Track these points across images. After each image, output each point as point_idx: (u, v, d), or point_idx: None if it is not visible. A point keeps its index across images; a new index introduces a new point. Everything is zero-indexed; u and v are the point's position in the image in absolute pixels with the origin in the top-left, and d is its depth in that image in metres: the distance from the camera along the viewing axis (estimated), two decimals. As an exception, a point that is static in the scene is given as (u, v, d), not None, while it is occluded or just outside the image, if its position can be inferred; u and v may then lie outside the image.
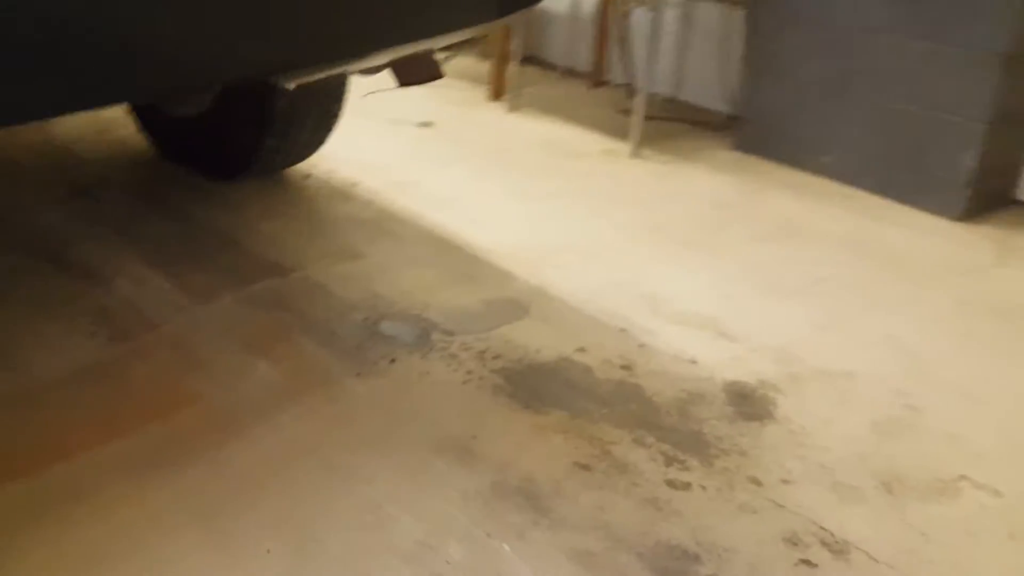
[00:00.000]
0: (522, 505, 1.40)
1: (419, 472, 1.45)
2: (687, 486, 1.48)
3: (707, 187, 2.89)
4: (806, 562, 1.34)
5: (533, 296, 2.06)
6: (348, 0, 1.30)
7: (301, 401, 1.61)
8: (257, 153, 2.38)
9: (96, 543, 1.26)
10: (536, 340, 1.86)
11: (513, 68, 3.64)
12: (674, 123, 3.52)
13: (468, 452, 1.51)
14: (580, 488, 1.45)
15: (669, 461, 1.53)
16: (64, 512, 1.30)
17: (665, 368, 1.81)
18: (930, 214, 2.82)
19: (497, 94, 3.72)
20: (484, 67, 4.14)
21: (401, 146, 3.03)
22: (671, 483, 1.48)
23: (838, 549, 1.37)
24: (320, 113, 2.38)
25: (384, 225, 2.38)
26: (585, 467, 1.50)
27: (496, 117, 3.50)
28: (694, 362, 1.85)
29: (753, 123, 3.26)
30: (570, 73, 4.18)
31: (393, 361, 1.75)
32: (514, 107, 3.59)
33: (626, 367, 1.80)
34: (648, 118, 3.34)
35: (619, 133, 3.31)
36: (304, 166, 2.70)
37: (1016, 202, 3.01)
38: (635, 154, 3.15)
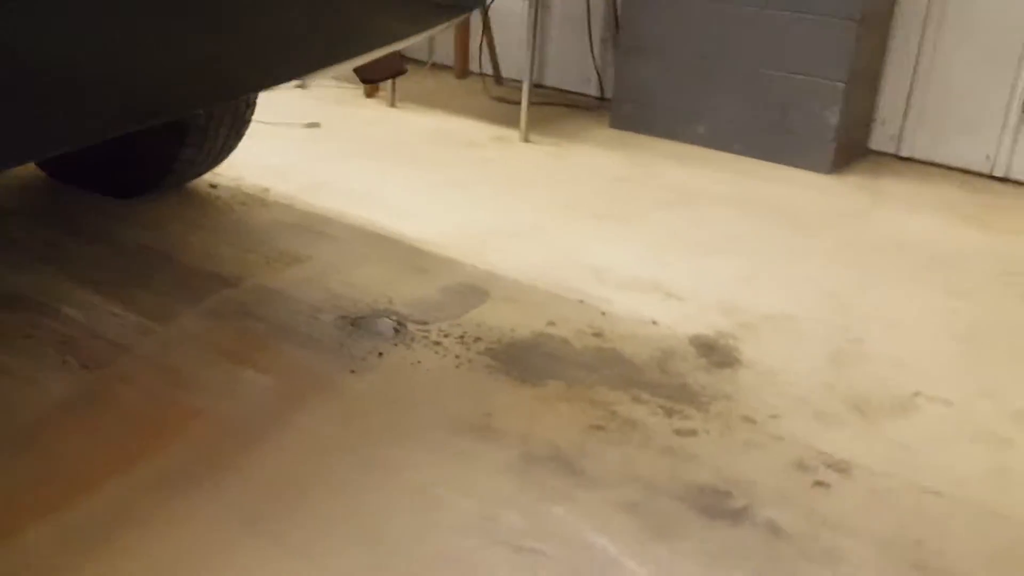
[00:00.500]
0: (557, 470, 1.46)
1: (449, 453, 1.49)
2: (693, 432, 1.59)
3: (600, 164, 3.03)
4: (820, 483, 1.48)
5: (486, 280, 2.11)
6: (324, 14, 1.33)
7: (305, 403, 1.60)
8: (173, 165, 2.30)
9: (160, 566, 1.22)
10: (507, 320, 1.92)
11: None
12: (549, 107, 3.63)
13: (487, 429, 1.56)
14: (602, 448, 1.53)
15: (669, 413, 1.64)
16: (114, 540, 1.26)
17: (632, 332, 1.92)
18: (803, 170, 3.07)
19: (372, 91, 3.72)
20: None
21: (296, 148, 2.99)
22: (678, 431, 1.59)
23: (841, 468, 1.52)
24: (234, 118, 2.33)
25: (313, 227, 2.36)
26: (599, 428, 1.58)
27: (379, 113, 3.51)
28: (655, 323, 1.96)
29: (627, 101, 3.43)
30: (435, 66, 4.23)
31: (381, 355, 1.77)
32: (393, 102, 3.61)
33: (597, 334, 1.90)
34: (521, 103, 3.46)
35: (501, 120, 3.40)
36: (207, 176, 2.62)
37: (871, 151, 3.33)
38: (525, 139, 3.24)
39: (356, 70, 1.66)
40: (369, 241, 2.30)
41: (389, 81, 3.59)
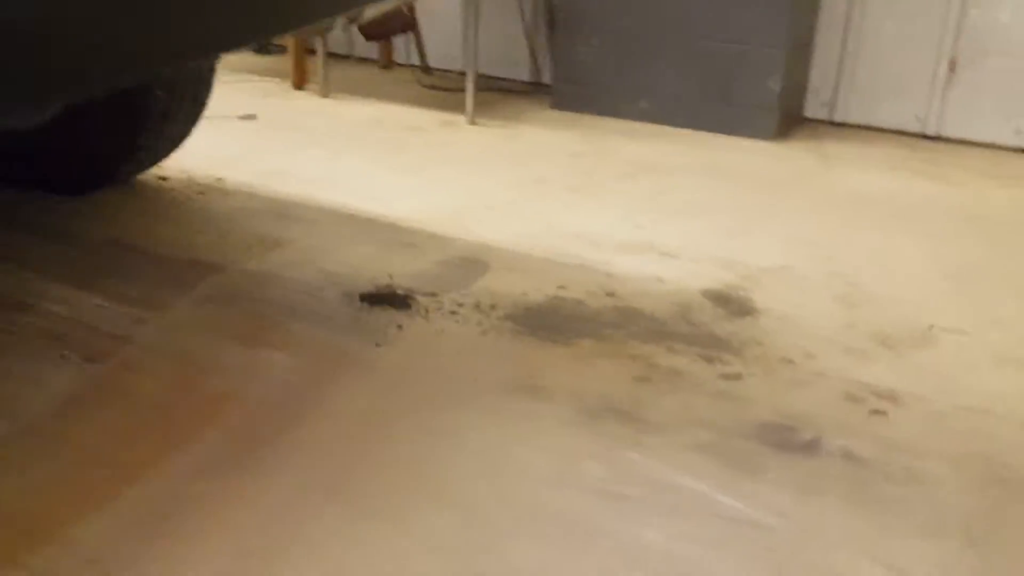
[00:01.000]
0: (619, 420, 1.42)
1: (506, 414, 1.42)
2: (738, 376, 1.57)
3: (553, 142, 3.00)
4: (876, 412, 1.48)
5: (480, 251, 2.05)
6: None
7: (338, 378, 1.51)
8: (128, 155, 2.15)
9: (237, 544, 1.12)
10: (516, 287, 1.87)
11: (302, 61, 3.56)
12: (485, 93, 3.59)
13: (536, 388, 1.50)
14: (655, 397, 1.49)
15: (709, 359, 1.62)
16: (174, 527, 1.14)
17: (644, 289, 1.89)
18: (748, 139, 3.12)
19: (300, 83, 3.60)
20: (264, 61, 4.00)
21: (239, 139, 2.85)
22: (724, 376, 1.57)
23: (890, 396, 1.52)
24: (191, 102, 2.19)
25: (284, 212, 2.25)
26: (645, 379, 1.54)
27: (314, 104, 3.39)
28: (661, 280, 1.94)
29: (567, 81, 3.41)
30: (358, 60, 4.13)
31: (400, 327, 1.68)
32: (325, 93, 3.49)
33: (610, 294, 1.86)
34: (456, 90, 3.41)
35: (441, 106, 3.35)
36: (155, 169, 2.47)
37: (807, 119, 3.41)
38: (472, 122, 3.19)
39: (363, 27, 1.58)
40: (347, 222, 2.20)
41: (320, 72, 3.47)
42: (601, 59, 3.32)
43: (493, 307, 1.78)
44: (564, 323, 1.73)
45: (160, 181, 2.42)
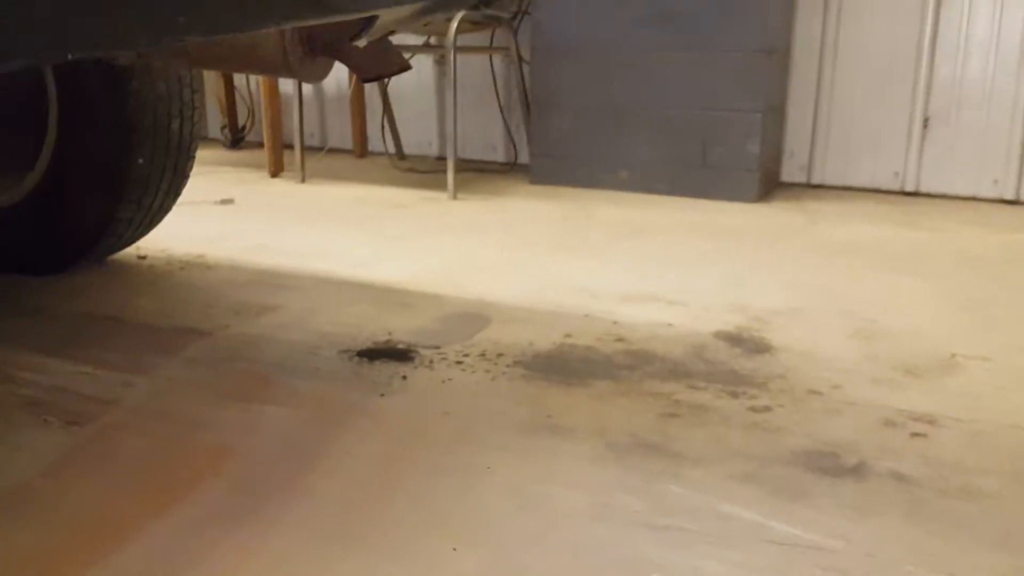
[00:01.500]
0: (651, 455, 1.32)
1: (529, 453, 1.32)
2: (768, 408, 1.49)
3: (539, 211, 2.97)
4: (917, 435, 1.40)
5: (481, 307, 1.98)
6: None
7: (344, 428, 1.40)
8: (107, 229, 2.07)
9: (251, 601, 1.00)
10: (521, 337, 1.79)
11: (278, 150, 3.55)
12: (463, 173, 3.58)
13: (557, 428, 1.40)
14: (685, 431, 1.40)
15: (734, 395, 1.54)
16: (181, 584, 1.02)
17: (653, 334, 1.82)
18: (732, 201, 3.12)
19: (276, 171, 3.57)
20: (236, 155, 3.99)
21: (218, 220, 2.79)
22: (753, 409, 1.48)
23: (928, 420, 1.45)
24: (172, 172, 2.13)
25: (271, 282, 2.17)
26: (672, 415, 1.46)
27: (292, 188, 3.35)
28: (671, 325, 1.88)
29: (546, 156, 3.41)
30: (331, 151, 4.13)
31: (405, 378, 1.59)
32: (302, 179, 3.46)
33: (619, 340, 1.79)
34: (433, 172, 3.41)
35: (420, 186, 3.33)
36: (132, 249, 2.39)
37: (783, 183, 3.43)
38: (454, 197, 3.15)
39: (356, 68, 1.53)
40: (338, 288, 2.12)
41: (297, 158, 3.45)
42: (578, 132, 3.33)
43: (500, 355, 1.69)
44: (576, 367, 1.65)
45: (138, 260, 2.33)
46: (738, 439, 1.38)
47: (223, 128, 4.30)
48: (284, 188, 3.34)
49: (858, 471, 1.29)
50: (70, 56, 0.71)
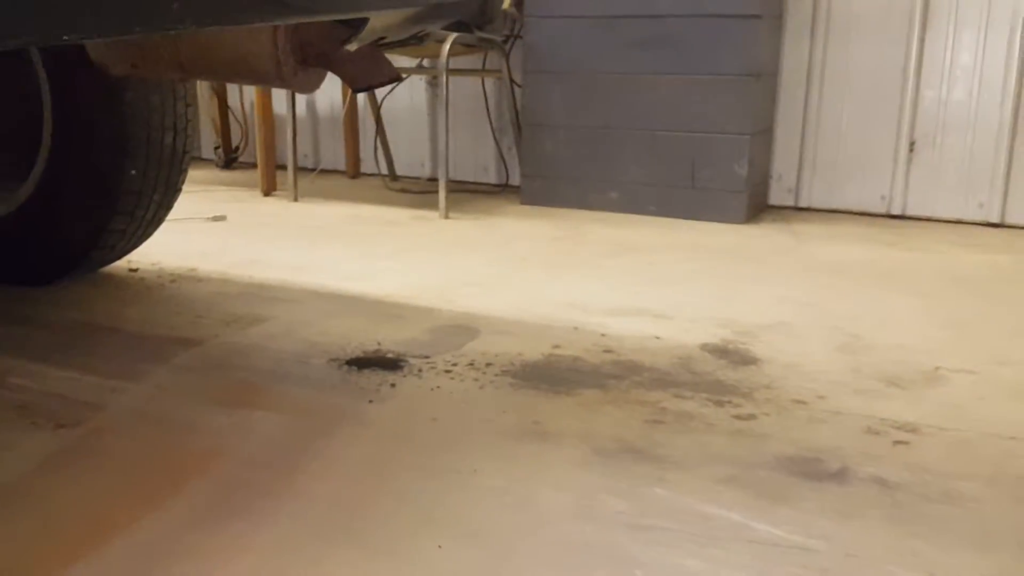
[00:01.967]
0: (637, 459, 1.34)
1: (516, 457, 1.33)
2: (752, 416, 1.50)
3: (529, 229, 3.00)
4: (900, 442, 1.41)
5: (469, 319, 1.99)
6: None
7: (332, 432, 1.41)
8: (99, 240, 2.08)
9: (236, 595, 1.00)
10: (510, 348, 1.80)
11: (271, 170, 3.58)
12: (454, 194, 3.61)
13: (544, 434, 1.42)
14: (670, 437, 1.42)
15: (719, 404, 1.55)
16: (175, 574, 1.03)
17: (640, 346, 1.84)
18: (721, 223, 3.15)
19: (269, 190, 3.59)
20: (230, 175, 4.01)
21: (210, 237, 2.80)
22: (738, 416, 1.50)
23: (911, 429, 1.46)
24: (164, 185, 2.15)
25: (261, 294, 2.18)
26: (658, 422, 1.47)
27: (284, 206, 3.37)
28: (658, 338, 1.89)
29: (536, 177, 3.44)
30: (324, 171, 4.15)
31: (394, 385, 1.60)
32: (295, 197, 3.48)
33: (607, 351, 1.80)
34: (424, 192, 3.44)
35: (412, 205, 3.35)
36: (124, 262, 2.40)
37: (771, 206, 3.46)
38: (445, 216, 3.18)
39: (348, 78, 1.56)
40: (329, 300, 2.14)
41: (290, 177, 3.47)
42: (568, 154, 3.37)
43: (489, 365, 1.70)
44: (564, 376, 1.66)
45: (130, 272, 2.35)
46: (722, 444, 1.39)
47: (216, 148, 4.33)
48: (277, 207, 3.36)
49: (841, 476, 1.30)
50: (65, 38, 0.73)
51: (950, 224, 3.17)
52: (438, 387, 1.59)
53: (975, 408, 1.55)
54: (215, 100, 4.21)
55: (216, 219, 3.04)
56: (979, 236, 2.99)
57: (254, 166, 3.83)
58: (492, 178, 3.91)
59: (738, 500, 1.22)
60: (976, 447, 1.41)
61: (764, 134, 3.29)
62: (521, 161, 3.51)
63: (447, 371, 1.67)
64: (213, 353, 1.75)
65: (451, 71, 3.16)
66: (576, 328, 1.94)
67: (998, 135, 3.07)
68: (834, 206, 3.38)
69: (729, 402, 1.56)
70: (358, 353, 1.75)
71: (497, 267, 2.47)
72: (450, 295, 2.18)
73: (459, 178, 3.90)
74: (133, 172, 2.00)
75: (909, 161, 3.23)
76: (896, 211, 3.28)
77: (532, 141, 3.42)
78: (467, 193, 3.66)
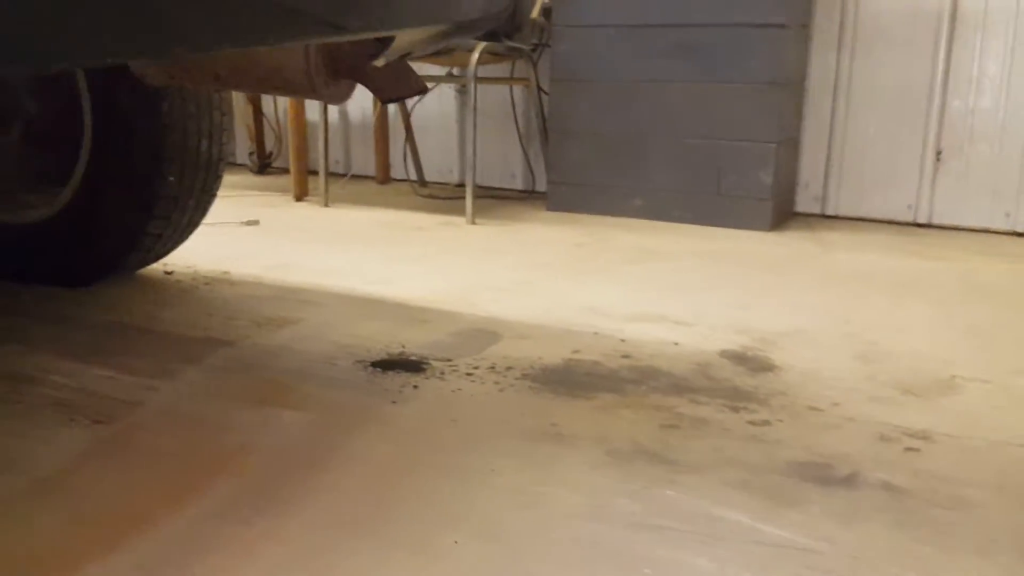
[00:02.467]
0: (651, 461, 1.37)
1: (532, 458, 1.38)
2: (767, 422, 1.53)
3: (554, 236, 3.04)
4: (911, 449, 1.44)
5: (492, 324, 2.04)
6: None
7: (356, 431, 1.46)
8: (137, 243, 2.16)
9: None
10: (531, 352, 1.85)
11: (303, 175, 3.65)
12: (481, 200, 3.66)
13: (560, 436, 1.46)
14: (685, 441, 1.45)
15: (735, 409, 1.58)
16: (193, 568, 1.08)
17: (659, 351, 1.87)
18: (746, 230, 3.17)
19: (301, 195, 3.66)
20: (263, 180, 4.09)
21: (243, 241, 2.87)
22: (752, 422, 1.53)
23: (923, 436, 1.49)
24: (200, 191, 2.22)
25: (292, 297, 2.24)
26: (673, 426, 1.51)
27: (316, 211, 3.44)
28: (677, 344, 1.93)
29: (563, 184, 3.49)
30: (354, 177, 4.23)
31: (416, 387, 1.65)
32: (326, 203, 3.55)
33: (626, 356, 1.84)
34: (452, 198, 3.49)
35: (439, 211, 3.40)
36: (159, 265, 2.48)
37: (798, 214, 3.48)
38: (472, 222, 3.23)
39: (377, 90, 1.61)
40: (356, 303, 2.19)
41: (321, 184, 3.54)
42: (595, 161, 3.40)
43: (509, 369, 1.75)
44: (582, 380, 1.70)
45: (165, 275, 2.42)
46: (736, 449, 1.43)
47: (251, 154, 4.42)
48: (308, 211, 3.43)
49: (850, 481, 1.33)
50: (108, 61, 0.79)
51: (976, 233, 3.17)
52: (459, 389, 1.64)
53: (988, 417, 1.57)
54: (250, 107, 4.30)
55: (249, 223, 3.12)
56: (1004, 245, 2.99)
57: (287, 171, 3.91)
58: (519, 184, 3.96)
59: (748, 503, 1.26)
60: (985, 455, 1.43)
61: (791, 142, 3.31)
62: (548, 168, 3.56)
63: (468, 374, 1.72)
64: (244, 354, 1.81)
65: (479, 79, 3.22)
66: (596, 333, 1.98)
67: (1025, 145, 3.07)
68: (861, 214, 3.39)
69: (745, 408, 1.59)
70: (383, 355, 1.81)
71: (521, 272, 2.52)
72: (474, 299, 2.23)
73: (487, 184, 3.95)
74: (170, 178, 2.06)
75: (935, 170, 3.23)
76: (922, 220, 3.29)
77: (559, 148, 3.47)
78: (494, 199, 3.71)
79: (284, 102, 4.12)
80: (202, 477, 1.29)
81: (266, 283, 2.36)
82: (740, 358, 1.85)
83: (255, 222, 3.14)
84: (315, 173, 3.67)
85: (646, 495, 1.27)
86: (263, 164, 4.42)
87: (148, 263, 2.32)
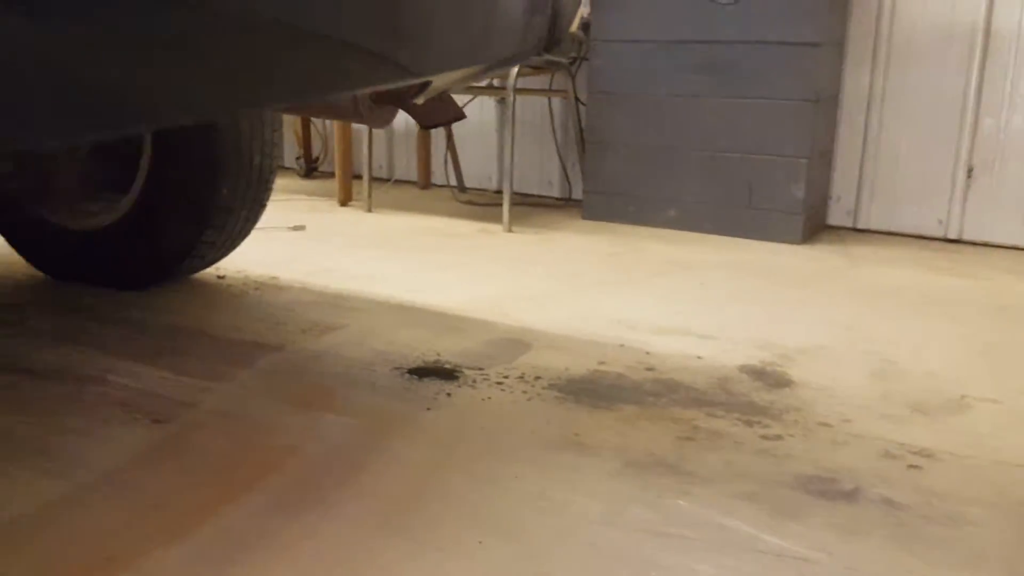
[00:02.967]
0: (665, 472, 1.47)
1: (554, 466, 1.48)
2: (779, 437, 1.62)
3: (587, 245, 3.14)
4: (913, 466, 1.52)
5: (522, 334, 2.14)
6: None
7: (393, 435, 1.58)
8: (192, 250, 2.29)
9: (319, 570, 1.17)
10: (558, 362, 1.95)
11: (348, 181, 3.78)
12: (518, 207, 3.76)
13: (582, 445, 1.56)
14: (699, 453, 1.55)
15: (749, 423, 1.67)
16: (241, 561, 1.20)
17: (681, 365, 1.97)
18: (776, 242, 3.24)
19: (345, 200, 3.79)
20: (310, 184, 4.23)
21: (290, 246, 3.01)
22: (764, 437, 1.62)
23: (926, 454, 1.57)
24: (252, 202, 2.35)
25: (335, 303, 2.36)
26: (689, 439, 1.60)
27: (358, 216, 3.57)
28: (700, 358, 2.02)
29: (598, 193, 3.58)
30: (397, 182, 4.35)
31: (449, 395, 1.76)
32: (369, 208, 3.68)
33: (650, 369, 1.94)
34: (490, 205, 3.60)
35: (478, 218, 3.51)
36: (212, 270, 2.62)
37: (830, 227, 3.53)
38: (508, 230, 3.34)
39: (417, 117, 1.73)
40: (395, 311, 2.31)
41: (365, 189, 3.67)
42: (629, 171, 3.49)
43: (537, 378, 1.85)
44: (606, 391, 1.80)
45: (219, 280, 2.56)
46: (747, 463, 1.52)
47: (298, 158, 4.57)
48: (352, 216, 3.56)
49: (852, 496, 1.42)
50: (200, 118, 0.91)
51: (1007, 250, 3.21)
52: (489, 398, 1.75)
53: (993, 437, 1.65)
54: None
55: (296, 228, 3.26)
56: (1033, 263, 3.02)
57: (333, 175, 4.04)
58: (556, 192, 4.06)
59: (754, 514, 1.35)
60: (986, 474, 1.50)
61: (823, 157, 3.37)
62: (584, 178, 3.65)
63: (499, 383, 1.83)
64: (291, 359, 1.94)
65: (519, 91, 3.32)
66: (622, 345, 2.08)
67: (1056, 164, 3.10)
68: (892, 229, 3.44)
69: (759, 422, 1.68)
70: (419, 363, 1.92)
71: (553, 282, 2.62)
72: (507, 308, 2.33)
73: (524, 191, 4.06)
74: (224, 190, 2.20)
75: (967, 187, 3.28)
76: (953, 235, 3.33)
77: (595, 158, 3.56)
78: (531, 207, 3.81)
79: (330, 109, 4.26)
80: (253, 475, 1.42)
81: (311, 288, 2.48)
82: (759, 373, 1.93)
83: (301, 227, 3.27)
84: (359, 177, 3.80)
85: (659, 504, 1.37)
86: (310, 168, 4.57)
87: (202, 268, 2.46)
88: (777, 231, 3.26)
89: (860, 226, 3.50)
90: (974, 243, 3.29)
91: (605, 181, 3.55)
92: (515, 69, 3.23)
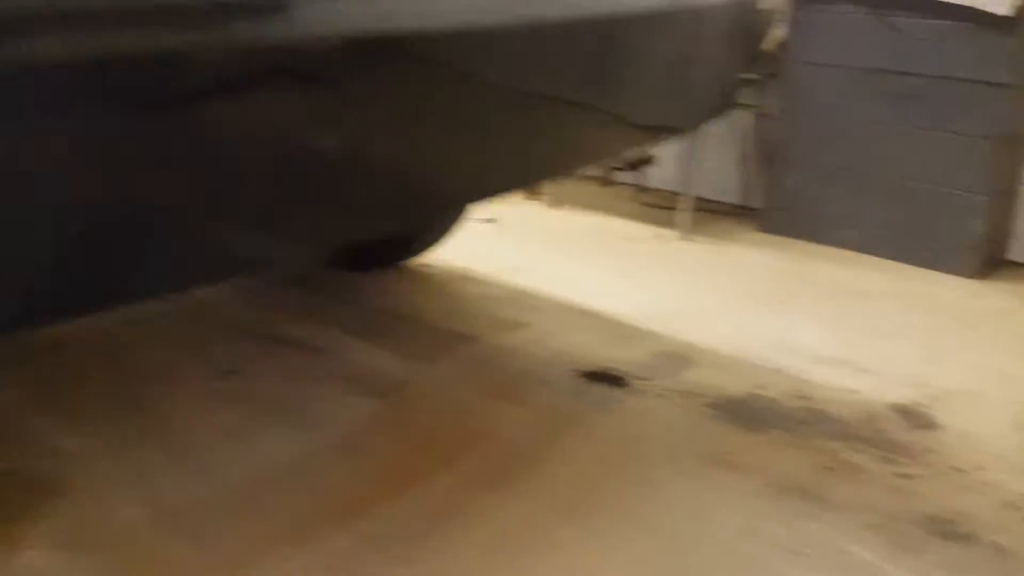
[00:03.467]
0: (802, 497, 1.69)
1: (706, 480, 1.73)
2: (911, 476, 1.80)
3: (759, 261, 3.30)
4: (1036, 520, 1.67)
5: (687, 349, 2.37)
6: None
7: (567, 433, 1.86)
8: (413, 243, 2.66)
9: (483, 549, 1.48)
10: (718, 381, 2.17)
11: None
12: (696, 212, 3.94)
13: (730, 464, 1.79)
14: (836, 483, 1.75)
15: (888, 460, 1.85)
16: (434, 532, 1.52)
17: (835, 397, 2.15)
18: (948, 274, 3.30)
19: (532, 194, 4.09)
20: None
21: (483, 239, 3.33)
22: (898, 475, 1.80)
23: (1052, 510, 1.71)
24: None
25: (521, 300, 2.67)
26: (829, 469, 1.80)
27: (543, 212, 3.86)
28: (853, 391, 2.19)
29: (777, 208, 3.72)
30: (581, 177, 4.61)
31: (617, 401, 2.03)
32: (553, 204, 3.96)
33: (803, 397, 2.13)
34: (669, 208, 3.80)
35: (655, 222, 3.73)
36: (419, 258, 2.97)
37: (1007, 262, 3.54)
38: (684, 238, 3.54)
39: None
40: (573, 313, 2.59)
41: (546, 188, 3.96)
42: (811, 189, 3.62)
43: (697, 395, 2.09)
44: (758, 415, 2.02)
45: (425, 268, 2.92)
46: (878, 497, 1.71)
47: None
48: (537, 212, 3.86)
49: (967, 538, 1.59)
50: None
51: None
52: (653, 409, 2.01)
53: (1123, 503, 1.76)
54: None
55: (488, 221, 3.59)
56: None
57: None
58: (734, 199, 4.21)
59: (876, 544, 1.55)
60: (1107, 537, 1.64)
61: (1006, 194, 3.38)
62: (765, 191, 3.80)
63: (661, 395, 2.08)
64: (484, 350, 2.26)
65: (707, 108, 3.50)
66: (780, 371, 2.28)
67: None
68: (1075, 270, 3.41)
69: (896, 460, 1.86)
70: (592, 367, 2.19)
71: (722, 297, 2.82)
72: (675, 321, 2.56)
73: (703, 195, 4.23)
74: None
75: None
76: None
77: (777, 173, 3.70)
78: (708, 213, 3.99)
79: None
80: (455, 452, 1.74)
81: (499, 284, 2.80)
82: (907, 412, 2.09)
83: (493, 220, 3.60)
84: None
85: (793, 524, 1.60)
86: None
87: (415, 257, 2.82)
88: (952, 263, 3.32)
89: (1041, 265, 3.49)
90: None
91: (785, 196, 3.68)
92: (706, 88, 3.41)
